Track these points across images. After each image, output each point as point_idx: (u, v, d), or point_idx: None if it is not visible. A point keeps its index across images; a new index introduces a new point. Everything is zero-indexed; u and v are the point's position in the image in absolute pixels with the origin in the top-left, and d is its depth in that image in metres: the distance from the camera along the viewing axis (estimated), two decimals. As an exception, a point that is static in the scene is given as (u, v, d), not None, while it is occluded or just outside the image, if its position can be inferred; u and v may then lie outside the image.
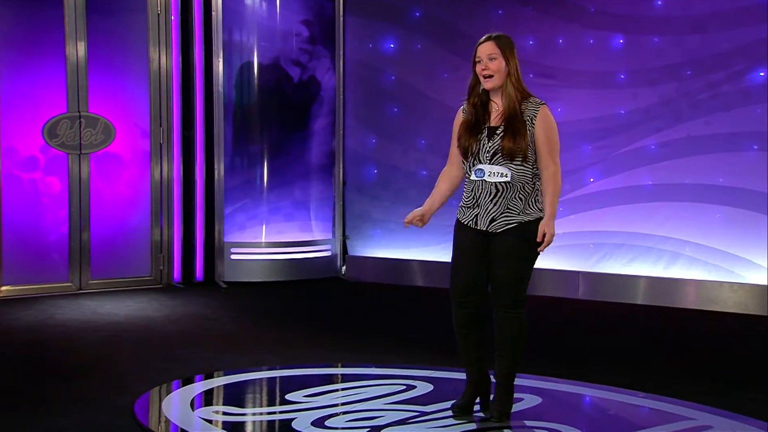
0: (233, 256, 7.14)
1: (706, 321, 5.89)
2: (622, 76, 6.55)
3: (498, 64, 3.51)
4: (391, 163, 7.48)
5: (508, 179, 3.52)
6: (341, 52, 7.50)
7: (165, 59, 6.89)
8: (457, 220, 3.66)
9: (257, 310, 6.16)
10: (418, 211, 3.69)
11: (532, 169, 3.54)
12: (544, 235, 3.47)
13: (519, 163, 3.50)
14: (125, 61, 6.80)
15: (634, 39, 6.50)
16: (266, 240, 7.24)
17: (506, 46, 3.53)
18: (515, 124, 3.49)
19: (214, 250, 7.10)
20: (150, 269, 6.95)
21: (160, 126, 6.92)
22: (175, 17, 6.92)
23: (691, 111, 6.30)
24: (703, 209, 6.26)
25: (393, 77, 7.43)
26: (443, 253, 6.78)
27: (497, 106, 3.57)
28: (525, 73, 7.03)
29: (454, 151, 3.67)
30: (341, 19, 7.50)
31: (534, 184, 3.55)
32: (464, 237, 3.60)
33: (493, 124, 3.55)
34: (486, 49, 3.53)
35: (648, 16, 6.44)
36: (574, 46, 6.72)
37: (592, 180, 6.71)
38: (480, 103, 3.58)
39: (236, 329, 5.50)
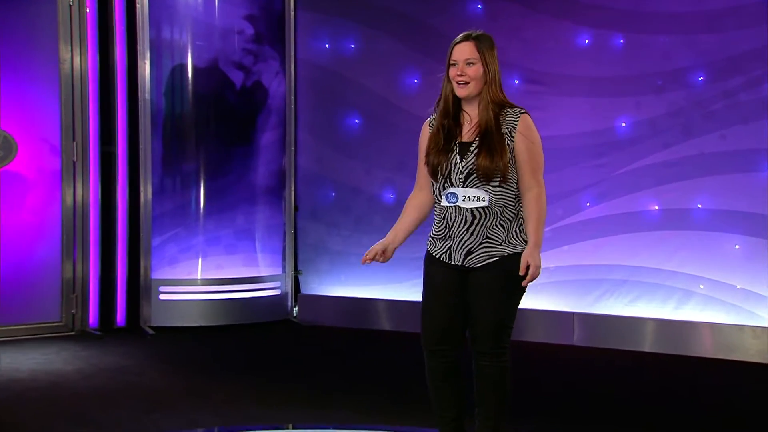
0: (162, 297, 7.10)
1: (724, 372, 5.90)
2: (623, 83, 6.58)
3: (476, 70, 3.55)
4: (351, 185, 7.47)
5: (486, 204, 3.53)
6: (292, 53, 7.50)
7: (79, 60, 6.84)
8: (427, 252, 3.67)
9: (191, 361, 6.12)
10: (378, 245, 3.69)
11: (514, 191, 3.56)
12: (527, 268, 3.47)
13: (497, 184, 3.52)
14: (30, 61, 6.74)
15: (637, 39, 6.55)
16: (203, 277, 7.22)
17: (487, 49, 3.57)
18: (491, 139, 3.52)
19: (138, 290, 7.04)
20: (60, 313, 6.87)
21: (73, 140, 6.88)
22: (91, 10, 6.88)
23: (704, 123, 6.35)
24: (719, 239, 6.29)
25: (354, 83, 7.43)
26: (413, 292, 6.73)
27: (470, 118, 3.60)
28: (509, 78, 7.05)
29: (423, 172, 3.68)
30: (292, 14, 7.50)
31: (517, 209, 3.58)
32: (436, 273, 3.61)
33: (465, 139, 3.58)
34: (464, 52, 3.56)
35: (653, 12, 6.49)
36: (566, 46, 6.75)
37: (588, 205, 6.73)
38: (451, 113, 3.60)
39: (165, 384, 5.45)
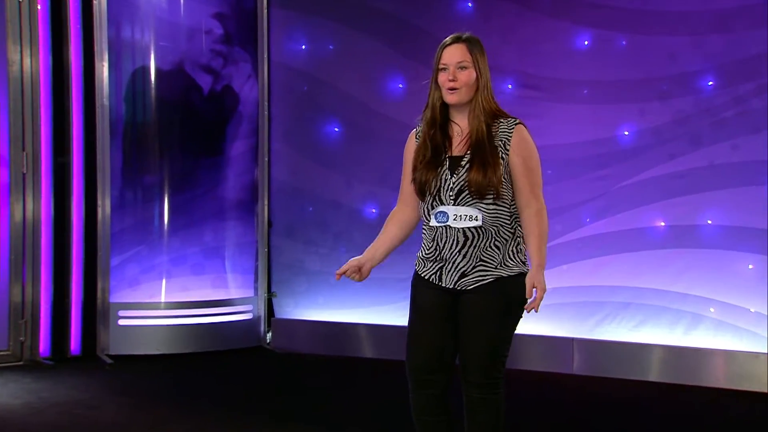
0: (122, 322, 7.07)
1: (737, 403, 5.89)
2: (626, 88, 6.58)
3: (469, 75, 3.56)
4: (330, 199, 7.46)
5: (479, 223, 3.53)
6: (265, 55, 7.51)
7: (30, 62, 6.82)
8: (416, 273, 3.66)
9: (154, 393, 6.08)
10: (354, 260, 3.67)
11: (509, 209, 3.56)
12: (533, 291, 3.46)
13: (491, 201, 3.52)
14: (-26, 63, 6.75)
15: (641, 40, 6.56)
16: (167, 300, 7.21)
17: (479, 52, 3.59)
18: (484, 152, 3.52)
19: (95, 314, 7.01)
20: (7, 341, 6.83)
21: (23, 150, 6.85)
22: (43, 6, 6.85)
23: (714, 132, 6.35)
24: (731, 258, 6.29)
25: (333, 88, 7.43)
26: (399, 315, 6.69)
27: (460, 129, 3.60)
28: (502, 83, 7.05)
29: (407, 188, 3.68)
30: (265, 12, 7.51)
31: (514, 227, 3.58)
32: (425, 296, 3.61)
33: (456, 152, 3.58)
34: (455, 55, 3.57)
35: (658, 11, 6.50)
36: (564, 48, 6.76)
37: (588, 221, 6.74)
38: (438, 123, 3.60)
39: (125, 419, 5.41)
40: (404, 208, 3.72)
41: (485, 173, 3.48)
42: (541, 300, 3.46)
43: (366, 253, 3.69)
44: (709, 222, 6.37)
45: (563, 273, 6.69)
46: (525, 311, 3.52)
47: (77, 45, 6.92)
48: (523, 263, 3.56)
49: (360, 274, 3.66)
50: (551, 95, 6.75)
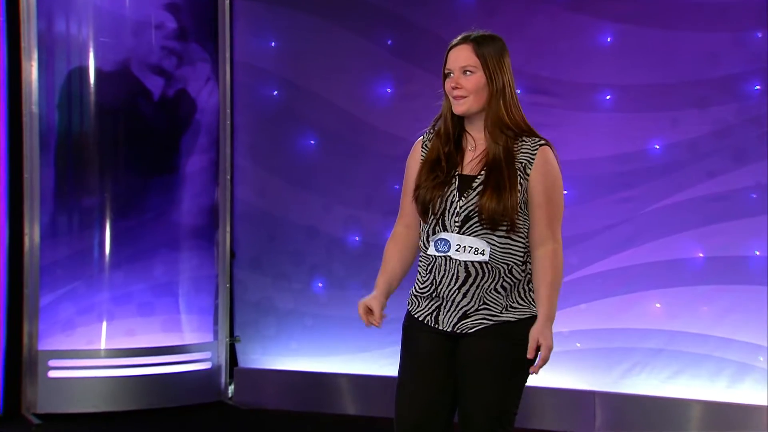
0: (53, 374, 7.01)
1: (794, 469, 5.89)
2: (656, 93, 6.58)
3: (476, 81, 3.60)
4: (305, 225, 7.45)
5: (485, 258, 3.55)
6: (227, 54, 7.52)
7: (-56, 61, 6.84)
8: (408, 313, 3.71)
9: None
10: (367, 303, 3.68)
11: (525, 243, 3.61)
12: (537, 349, 3.52)
13: (503, 233, 3.55)
14: None
15: (673, 36, 6.54)
16: (108, 346, 7.16)
17: (491, 53, 3.63)
18: (501, 174, 3.55)
19: (21, 365, 6.95)
20: None
21: (-65, 166, 6.85)
22: (-42, -4, 6.92)
23: (762, 145, 6.34)
24: (784, 296, 6.31)
25: (308, 93, 7.43)
26: (387, 364, 6.71)
27: (474, 144, 3.65)
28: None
29: (409, 207, 3.74)
30: (227, 3, 7.52)
31: (526, 266, 3.62)
32: (419, 341, 3.66)
33: (468, 171, 3.62)
34: (458, 58, 3.62)
35: (695, 3, 6.50)
36: (583, 47, 6.75)
37: (612, 251, 6.71)
38: (452, 138, 3.66)
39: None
40: (406, 230, 3.77)
41: (500, 199, 3.52)
42: (546, 361, 3.52)
43: (378, 286, 3.72)
44: (758, 253, 6.36)
45: (582, 313, 6.69)
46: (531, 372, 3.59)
47: (0, 41, 6.92)
48: (534, 303, 3.61)
49: (375, 317, 3.66)
50: (567, 102, 6.76)
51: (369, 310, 3.68)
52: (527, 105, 6.66)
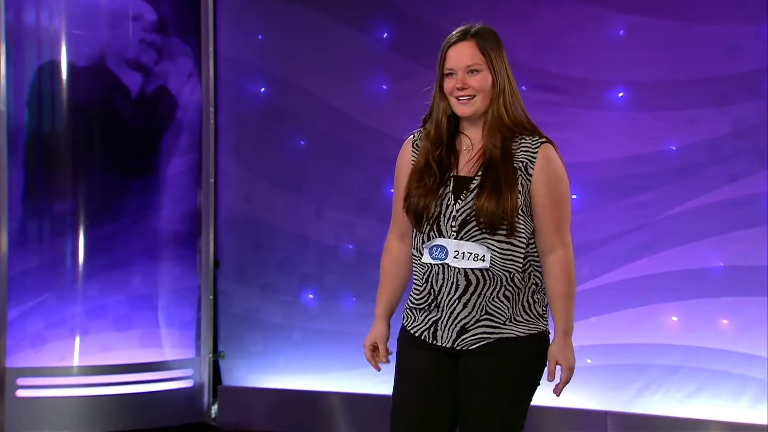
0: (22, 393, 7.03)
1: (821, 496, 5.85)
2: (672, 90, 6.56)
3: (483, 80, 3.61)
4: (294, 232, 7.44)
5: (486, 265, 3.55)
6: (211, 48, 7.53)
7: None
8: (403, 328, 3.73)
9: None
10: (371, 341, 3.77)
11: (526, 249, 3.60)
12: (557, 370, 3.62)
13: (503, 237, 3.56)
14: None
15: (691, 29, 6.52)
16: (81, 363, 7.17)
17: (494, 49, 3.65)
18: (498, 174, 3.57)
19: None
20: None
21: None
22: None
23: (786, 147, 6.38)
24: (810, 309, 6.30)
25: (297, 90, 7.42)
26: (381, 382, 6.58)
27: (470, 143, 3.66)
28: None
29: (401, 214, 3.74)
30: (211, -6, 7.57)
31: (529, 272, 3.63)
32: (415, 359, 3.67)
33: (464, 172, 3.64)
34: (463, 56, 3.62)
35: (711, -7, 6.56)
36: (594, 40, 6.74)
37: (625, 260, 6.69)
38: (445, 142, 3.67)
39: None
40: (399, 243, 3.80)
41: (498, 200, 3.52)
42: (567, 382, 3.60)
43: (378, 314, 3.79)
44: (781, 263, 6.39)
45: (592, 327, 6.66)
46: (539, 383, 3.65)
47: (-37, 34, 6.98)
48: (541, 317, 3.63)
49: (381, 353, 3.76)
50: (577, 99, 6.74)
51: (375, 347, 3.75)
52: (533, 103, 6.62)
